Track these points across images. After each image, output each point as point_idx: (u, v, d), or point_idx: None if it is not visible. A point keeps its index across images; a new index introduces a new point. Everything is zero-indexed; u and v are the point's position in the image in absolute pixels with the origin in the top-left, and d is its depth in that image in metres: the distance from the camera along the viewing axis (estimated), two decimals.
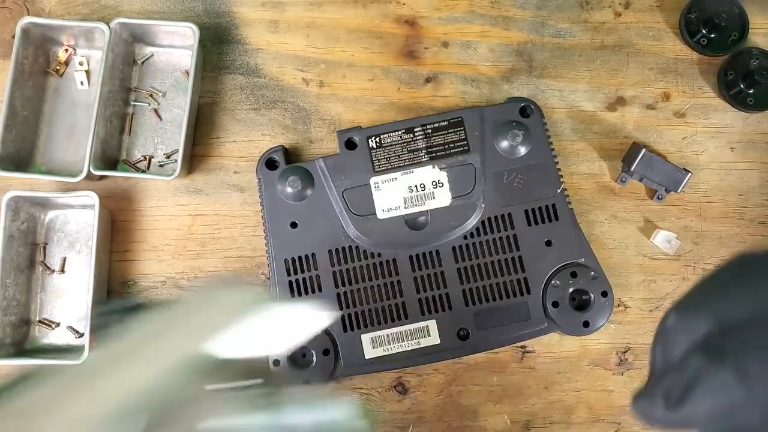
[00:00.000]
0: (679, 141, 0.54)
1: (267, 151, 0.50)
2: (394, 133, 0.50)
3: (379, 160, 0.49)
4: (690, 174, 0.51)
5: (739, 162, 0.54)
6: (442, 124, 0.50)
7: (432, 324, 0.48)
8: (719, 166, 0.54)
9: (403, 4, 0.55)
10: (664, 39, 0.55)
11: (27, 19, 0.49)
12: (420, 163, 0.49)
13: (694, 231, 0.53)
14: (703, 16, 0.53)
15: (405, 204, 0.49)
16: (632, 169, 0.51)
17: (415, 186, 0.49)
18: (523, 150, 0.49)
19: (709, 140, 0.54)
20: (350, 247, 0.49)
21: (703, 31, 0.53)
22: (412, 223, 0.49)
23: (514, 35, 0.55)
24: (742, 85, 0.53)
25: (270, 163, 0.50)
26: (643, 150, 0.51)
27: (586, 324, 0.48)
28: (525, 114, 0.50)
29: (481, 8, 0.55)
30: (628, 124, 0.54)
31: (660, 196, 0.52)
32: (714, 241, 0.53)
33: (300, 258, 0.48)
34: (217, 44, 0.54)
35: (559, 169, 0.50)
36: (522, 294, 0.48)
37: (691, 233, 0.53)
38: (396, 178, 0.49)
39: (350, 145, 0.50)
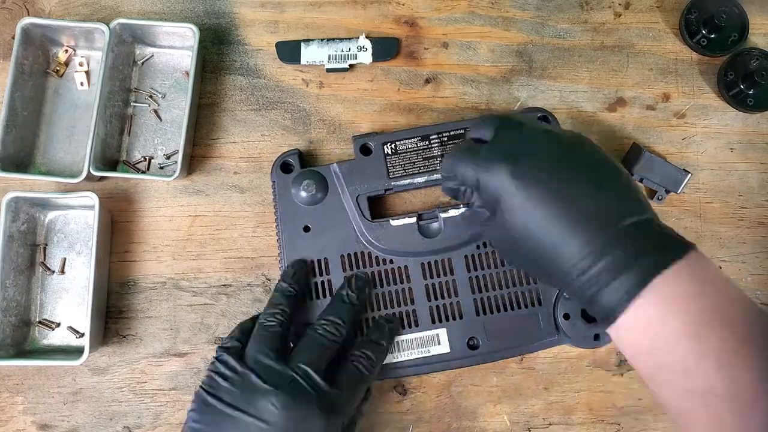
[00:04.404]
0: (679, 141, 0.54)
1: (282, 154, 0.50)
2: (409, 140, 0.50)
3: (394, 166, 0.49)
4: (690, 175, 0.51)
5: (738, 163, 0.54)
6: (458, 132, 0.50)
7: (442, 332, 0.47)
8: (719, 166, 0.54)
9: (403, 5, 0.55)
10: (664, 39, 0.55)
11: (27, 20, 0.49)
12: (435, 171, 0.49)
13: (694, 232, 0.53)
14: (703, 16, 0.54)
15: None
16: (632, 170, 0.51)
17: None
18: None
19: (708, 141, 0.54)
20: (362, 253, 0.48)
21: (703, 32, 0.53)
22: (425, 230, 0.49)
23: (514, 36, 0.55)
24: (741, 86, 0.53)
25: (285, 167, 0.50)
26: (643, 151, 0.51)
27: (596, 337, 0.47)
28: None
29: (480, 9, 0.55)
30: (628, 124, 0.54)
31: (660, 197, 0.52)
32: (714, 242, 0.53)
33: (312, 262, 0.48)
34: (217, 45, 0.54)
35: None
36: (533, 305, 0.48)
37: (690, 234, 0.53)
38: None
39: (365, 150, 0.50)
